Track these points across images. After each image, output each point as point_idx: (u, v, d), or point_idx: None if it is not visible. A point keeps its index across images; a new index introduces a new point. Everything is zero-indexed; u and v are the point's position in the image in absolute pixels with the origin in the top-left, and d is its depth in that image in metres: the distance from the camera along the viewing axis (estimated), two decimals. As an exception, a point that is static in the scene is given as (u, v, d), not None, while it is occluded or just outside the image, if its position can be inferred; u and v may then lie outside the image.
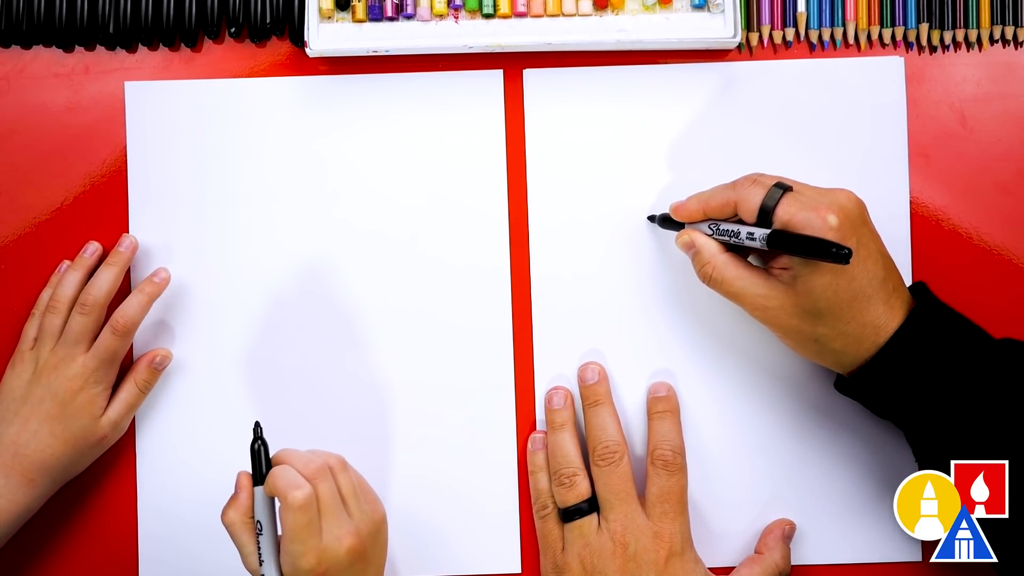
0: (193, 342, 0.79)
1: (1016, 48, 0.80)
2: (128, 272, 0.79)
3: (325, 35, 0.78)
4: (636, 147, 0.79)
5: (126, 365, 0.78)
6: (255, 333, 0.79)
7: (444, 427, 0.79)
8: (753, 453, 0.78)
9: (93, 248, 0.78)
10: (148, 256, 0.79)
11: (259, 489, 0.69)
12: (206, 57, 0.80)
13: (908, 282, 0.77)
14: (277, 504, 0.69)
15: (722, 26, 0.77)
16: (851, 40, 0.80)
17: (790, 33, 0.79)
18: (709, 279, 0.72)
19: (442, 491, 0.79)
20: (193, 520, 0.78)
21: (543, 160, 0.79)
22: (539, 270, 0.79)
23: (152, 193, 0.79)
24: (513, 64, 0.79)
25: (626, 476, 0.75)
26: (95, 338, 0.76)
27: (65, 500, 0.78)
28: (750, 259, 0.73)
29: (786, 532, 0.77)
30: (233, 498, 0.70)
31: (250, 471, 0.70)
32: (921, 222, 0.79)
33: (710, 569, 0.76)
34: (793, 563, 0.77)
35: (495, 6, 0.77)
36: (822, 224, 0.67)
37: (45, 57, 0.80)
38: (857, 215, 0.69)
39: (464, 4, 0.78)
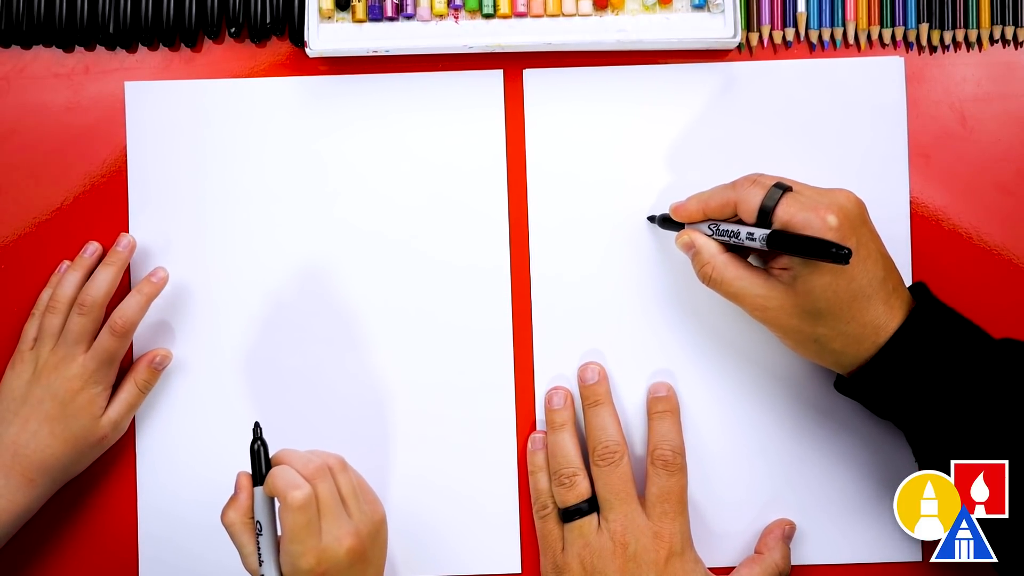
0: (193, 342, 0.79)
1: (1016, 48, 0.80)
2: (128, 272, 0.79)
3: (325, 35, 0.78)
4: (636, 147, 0.79)
5: (126, 365, 0.78)
6: (255, 333, 0.79)
7: (444, 427, 0.79)
8: (753, 453, 0.78)
9: (93, 248, 0.78)
10: (148, 256, 0.79)
11: (259, 489, 0.69)
12: (206, 57, 0.80)
13: (908, 282, 0.76)
14: (277, 504, 0.69)
15: (722, 26, 0.77)
16: (851, 40, 0.80)
17: (790, 33, 0.79)
18: (709, 279, 0.72)
19: (442, 491, 0.79)
20: (193, 520, 0.78)
21: (543, 160, 0.79)
22: (539, 270, 0.79)
23: (152, 193, 0.79)
24: (513, 64, 0.79)
25: (626, 476, 0.75)
26: (94, 338, 0.76)
27: (65, 500, 0.78)
28: (750, 259, 0.73)
29: (786, 532, 0.77)
30: (233, 498, 0.70)
31: (250, 471, 0.70)
32: (921, 222, 0.79)
33: (710, 569, 0.76)
34: (793, 563, 0.77)
35: (495, 6, 0.77)
36: (822, 224, 0.67)
37: (45, 57, 0.80)
38: (857, 215, 0.69)
39: (464, 4, 0.78)
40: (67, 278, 0.77)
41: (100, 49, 0.80)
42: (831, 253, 0.65)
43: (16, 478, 0.74)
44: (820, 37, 0.80)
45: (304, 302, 0.79)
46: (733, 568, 0.77)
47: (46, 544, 0.79)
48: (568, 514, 0.75)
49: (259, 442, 0.70)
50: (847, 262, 0.65)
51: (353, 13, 0.78)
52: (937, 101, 0.79)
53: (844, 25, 0.79)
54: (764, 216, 0.69)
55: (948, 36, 0.79)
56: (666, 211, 0.75)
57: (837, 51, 0.80)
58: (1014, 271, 0.79)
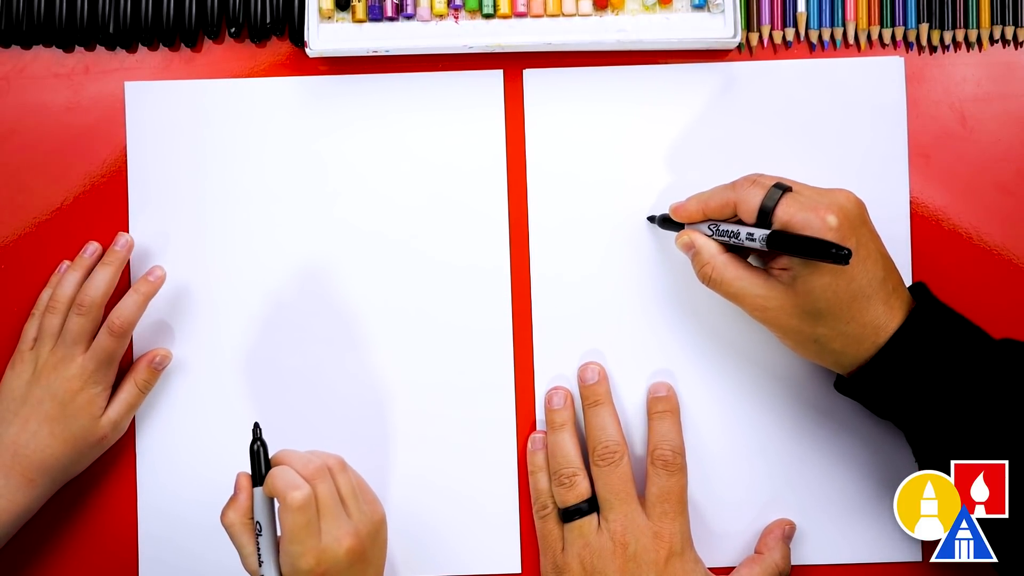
0: (193, 342, 0.79)
1: (1016, 48, 0.80)
2: (129, 272, 0.79)
3: (325, 35, 0.78)
4: (636, 147, 0.79)
5: (126, 365, 0.78)
6: (255, 333, 0.79)
7: (444, 427, 0.79)
8: (753, 453, 0.78)
9: (93, 248, 0.78)
10: (148, 256, 0.79)
11: (258, 490, 0.69)
12: (206, 57, 0.80)
13: (908, 282, 0.76)
14: (276, 505, 0.69)
15: (722, 26, 0.77)
16: (851, 40, 0.80)
17: (790, 33, 0.79)
18: (709, 280, 0.72)
19: (442, 491, 0.79)
20: (193, 520, 0.78)
21: (543, 160, 0.79)
22: (539, 270, 0.79)
23: (152, 193, 0.79)
24: (513, 64, 0.79)
25: (626, 476, 0.75)
26: (94, 338, 0.76)
27: (65, 500, 0.78)
28: (750, 260, 0.73)
29: (786, 532, 0.77)
30: (232, 499, 0.70)
31: (249, 472, 0.70)
32: (921, 222, 0.79)
33: (710, 569, 0.76)
34: (793, 563, 0.77)
35: (495, 6, 0.77)
36: (821, 224, 0.67)
37: (45, 57, 0.80)
38: (856, 215, 0.69)
39: (464, 4, 0.78)
40: (67, 278, 0.77)
41: (100, 49, 0.80)
42: (831, 253, 0.65)
43: (16, 478, 0.74)
44: (820, 37, 0.80)
45: (304, 302, 0.79)
46: (733, 568, 0.77)
47: (46, 544, 0.79)
48: (568, 514, 0.75)
49: (259, 442, 0.70)
50: (847, 262, 0.65)
51: (353, 13, 0.78)
52: (937, 101, 0.79)
53: (844, 25, 0.79)
54: (764, 216, 0.69)
55: (948, 36, 0.79)
56: (666, 211, 0.75)
57: (837, 51, 0.80)
58: (1014, 271, 0.79)
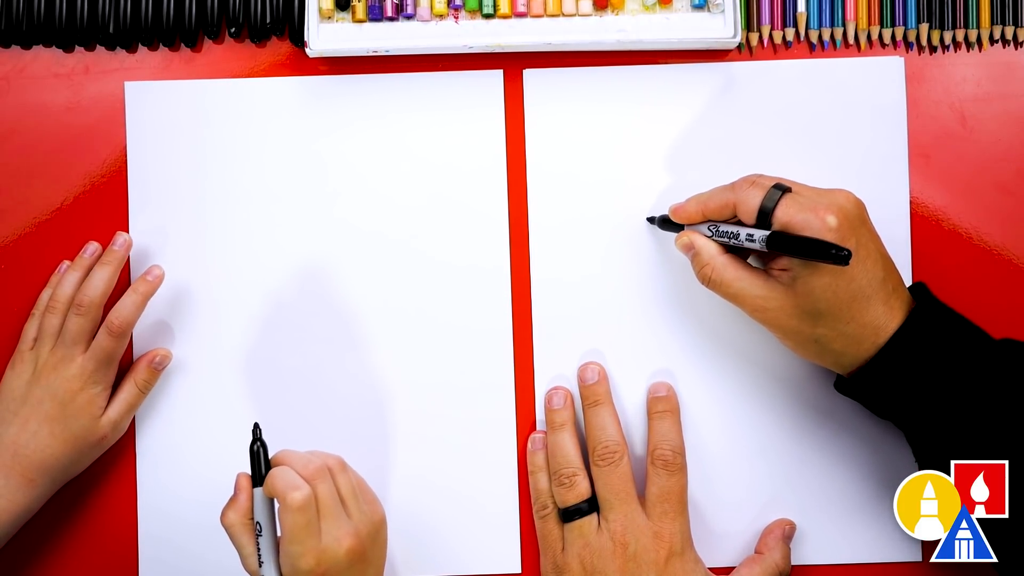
0: (193, 342, 0.79)
1: (1016, 48, 0.79)
2: (129, 272, 0.79)
3: (325, 35, 0.78)
4: (636, 147, 0.79)
5: (126, 365, 0.78)
6: (255, 333, 0.79)
7: (444, 427, 0.79)
8: (753, 453, 0.78)
9: (93, 248, 0.78)
10: (148, 256, 0.79)
11: (258, 490, 0.69)
12: (206, 57, 0.80)
13: (908, 282, 0.76)
14: (276, 505, 0.69)
15: (722, 26, 0.77)
16: (851, 40, 0.79)
17: (790, 33, 0.79)
18: (708, 280, 0.72)
19: (442, 491, 0.79)
20: (193, 520, 0.78)
21: (543, 160, 0.79)
22: (539, 270, 0.79)
23: (152, 193, 0.79)
24: (513, 64, 0.79)
25: (626, 476, 0.75)
26: (93, 338, 0.76)
27: (65, 500, 0.78)
28: (749, 260, 0.73)
29: (786, 532, 0.77)
30: (232, 499, 0.70)
31: (249, 472, 0.70)
32: (921, 222, 0.79)
33: (710, 569, 0.76)
34: (793, 563, 0.77)
35: (495, 6, 0.77)
36: (821, 225, 0.67)
37: (45, 57, 0.80)
38: (856, 216, 0.69)
39: (464, 4, 0.78)
40: (67, 278, 0.77)
41: (100, 49, 0.80)
42: (831, 254, 0.65)
43: (16, 478, 0.74)
44: (820, 37, 0.80)
45: (304, 302, 0.79)
46: (733, 568, 0.77)
47: (46, 544, 0.79)
48: (568, 514, 0.75)
49: (258, 443, 0.70)
50: (847, 263, 0.65)
51: (353, 13, 0.78)
52: (937, 101, 0.79)
53: (844, 25, 0.79)
54: (763, 217, 0.69)
55: (948, 36, 0.79)
56: (666, 212, 0.75)
57: (837, 51, 0.80)
58: (1014, 271, 0.79)
